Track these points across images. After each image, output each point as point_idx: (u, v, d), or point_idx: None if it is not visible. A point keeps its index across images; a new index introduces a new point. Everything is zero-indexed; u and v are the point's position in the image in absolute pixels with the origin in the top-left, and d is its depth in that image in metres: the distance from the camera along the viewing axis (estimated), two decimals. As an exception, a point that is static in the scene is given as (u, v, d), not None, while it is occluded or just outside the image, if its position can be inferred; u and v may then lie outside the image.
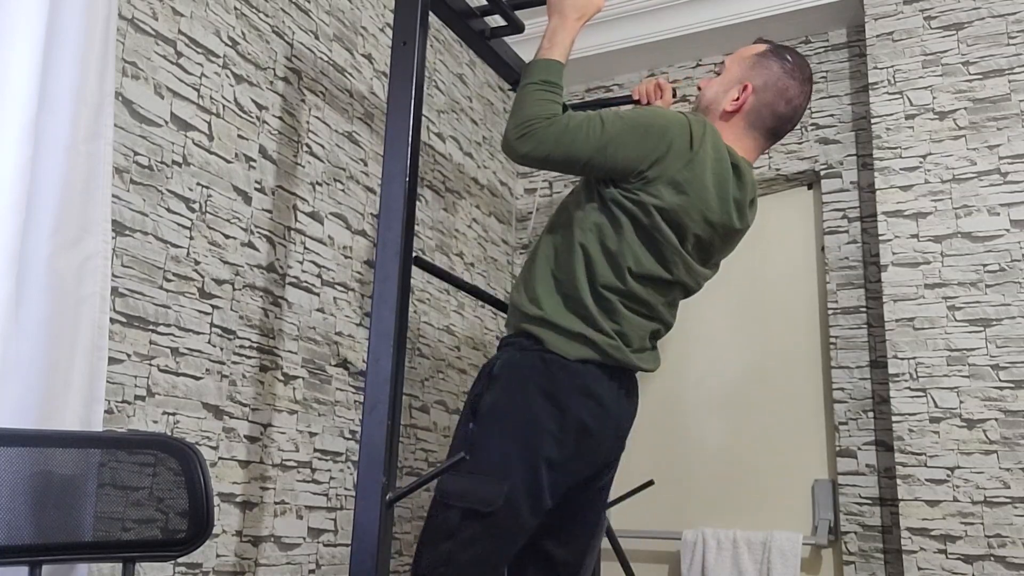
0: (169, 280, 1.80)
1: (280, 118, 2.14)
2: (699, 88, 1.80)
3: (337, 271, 2.28)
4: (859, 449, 2.52)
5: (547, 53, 1.64)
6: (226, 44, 2.00)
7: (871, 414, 2.53)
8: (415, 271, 2.57)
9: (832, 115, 2.80)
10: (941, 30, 2.53)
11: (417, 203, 2.40)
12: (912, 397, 2.35)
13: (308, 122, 2.23)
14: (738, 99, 1.70)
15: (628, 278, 1.60)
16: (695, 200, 1.59)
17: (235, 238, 1.98)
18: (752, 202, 1.73)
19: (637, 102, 2.03)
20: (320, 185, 2.25)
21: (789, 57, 1.73)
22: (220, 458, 1.88)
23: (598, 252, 1.60)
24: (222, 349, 1.91)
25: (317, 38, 2.29)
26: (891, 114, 2.54)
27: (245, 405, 1.96)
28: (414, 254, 1.71)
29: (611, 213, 1.60)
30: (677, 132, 1.58)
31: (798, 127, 2.83)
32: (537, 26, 2.63)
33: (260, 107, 2.08)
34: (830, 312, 2.65)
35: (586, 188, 1.67)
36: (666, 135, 1.57)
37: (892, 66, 2.57)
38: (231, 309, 1.95)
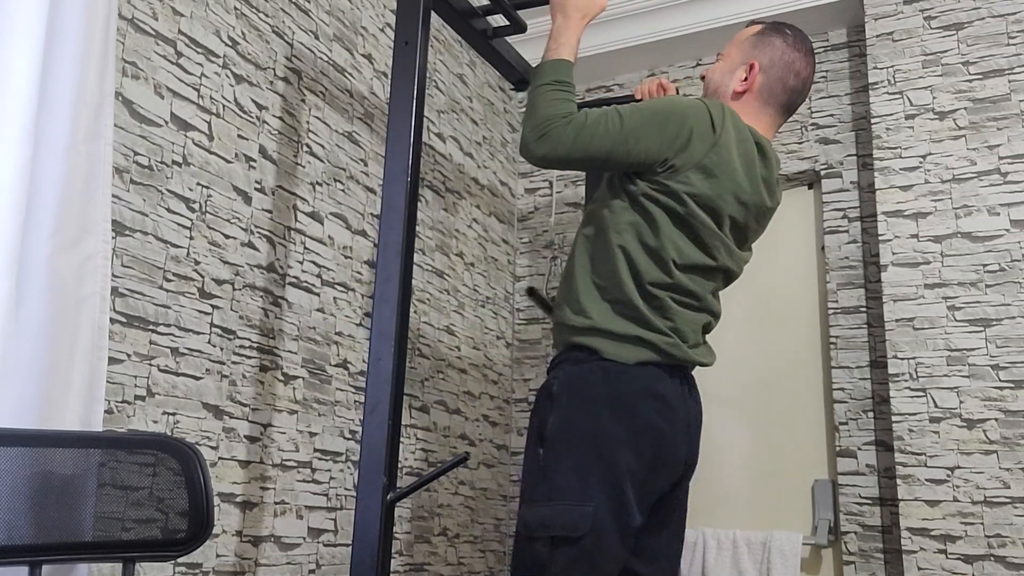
0: (169, 280, 1.80)
1: (280, 118, 2.14)
2: (702, 78, 1.79)
3: (337, 271, 2.28)
4: (859, 449, 2.52)
5: (555, 53, 1.63)
6: (226, 44, 1.99)
7: (871, 414, 2.53)
8: (415, 270, 2.57)
9: (832, 115, 2.80)
10: (941, 30, 2.53)
11: (417, 203, 2.41)
12: (912, 397, 2.35)
13: (308, 122, 2.23)
14: (746, 79, 1.69)
15: (674, 271, 1.56)
16: (726, 182, 1.57)
17: (235, 238, 1.97)
18: (778, 180, 1.72)
19: (639, 102, 2.03)
20: (320, 185, 2.25)
21: (788, 31, 1.73)
22: (220, 458, 1.88)
23: (639, 250, 1.57)
24: (222, 349, 1.91)
25: (317, 38, 2.29)
26: (891, 114, 2.54)
27: (245, 405, 1.96)
28: (415, 254, 1.71)
29: (644, 209, 1.57)
30: (697, 117, 1.57)
31: (798, 127, 2.83)
32: (539, 26, 2.63)
33: (260, 107, 2.08)
34: (830, 312, 2.65)
35: (611, 190, 1.64)
36: (686, 121, 1.56)
37: (892, 66, 2.57)
38: (231, 309, 1.95)
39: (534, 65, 1.69)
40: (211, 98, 1.94)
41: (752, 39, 1.73)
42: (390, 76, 1.70)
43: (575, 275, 1.63)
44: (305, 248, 2.18)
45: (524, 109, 1.62)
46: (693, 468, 1.67)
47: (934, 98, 2.49)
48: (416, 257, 2.58)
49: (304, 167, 2.20)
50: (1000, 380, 2.26)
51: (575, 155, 1.55)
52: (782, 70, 1.69)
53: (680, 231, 1.57)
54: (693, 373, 1.67)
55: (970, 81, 2.46)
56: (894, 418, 2.36)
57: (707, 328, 1.68)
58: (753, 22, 1.80)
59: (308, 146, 2.22)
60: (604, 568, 1.48)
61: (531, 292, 2.20)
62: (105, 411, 1.60)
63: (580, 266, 1.63)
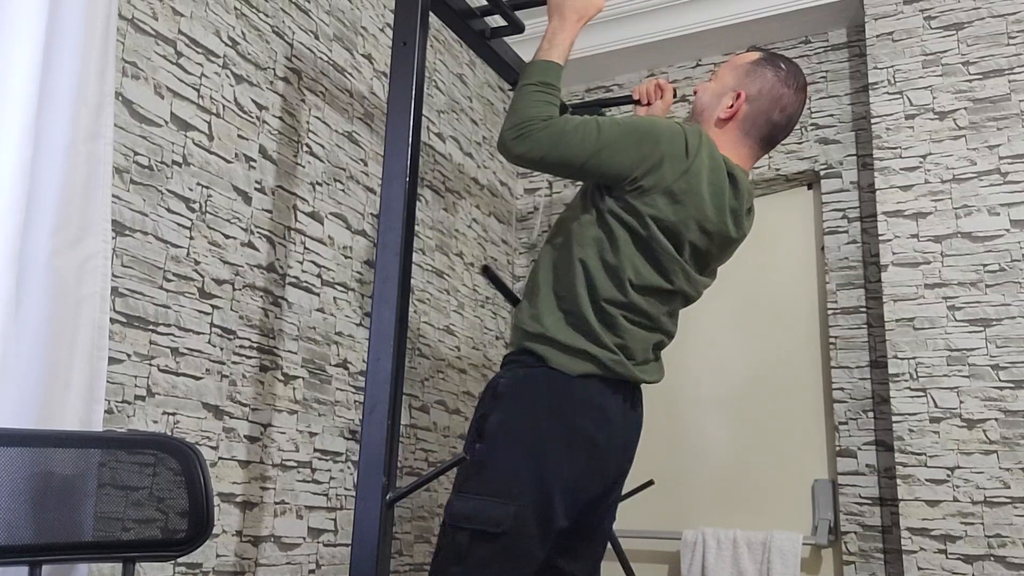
0: (169, 280, 1.80)
1: (280, 118, 2.14)
2: (695, 93, 1.80)
3: (337, 271, 2.28)
4: (859, 449, 2.52)
5: (546, 54, 1.64)
6: (226, 44, 1.99)
7: (871, 414, 2.53)
8: (415, 270, 2.58)
9: (832, 115, 2.80)
10: (941, 30, 2.53)
11: (417, 203, 2.40)
12: (912, 397, 2.35)
13: (308, 122, 2.23)
14: (732, 107, 1.69)
15: (629, 290, 1.59)
16: (691, 210, 1.59)
17: (235, 238, 1.98)
18: (749, 211, 1.73)
19: (637, 102, 2.03)
20: (320, 185, 2.25)
21: (783, 65, 1.73)
22: (220, 458, 1.88)
23: (598, 266, 1.59)
24: (222, 349, 1.91)
25: (317, 38, 2.29)
26: (891, 114, 2.54)
27: (245, 405, 1.96)
28: (414, 254, 1.71)
29: (608, 226, 1.60)
30: (672, 141, 1.58)
31: (798, 127, 2.83)
32: (537, 26, 2.63)
33: (260, 107, 2.08)
34: (830, 312, 2.65)
35: (582, 203, 1.66)
36: (660, 143, 1.57)
37: (892, 66, 2.57)
38: (231, 309, 1.95)
39: (526, 62, 1.70)
40: (211, 98, 1.94)
41: (746, 67, 1.73)
42: (389, 76, 1.70)
43: (538, 280, 1.66)
44: (305, 248, 2.18)
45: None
46: (624, 478, 1.72)
47: (934, 98, 2.49)
48: (416, 257, 2.58)
49: (304, 167, 2.21)
50: (1000, 380, 2.26)
51: (550, 159, 1.56)
52: (769, 103, 1.70)
53: (639, 252, 1.59)
54: (642, 388, 1.71)
55: (970, 81, 2.46)
56: (894, 418, 2.36)
57: (659, 346, 1.71)
58: (753, 48, 1.80)
59: (308, 146, 2.22)
60: (519, 566, 1.52)
61: (485, 270, 2.15)
62: (105, 411, 1.60)
63: (543, 273, 1.66)
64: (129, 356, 1.70)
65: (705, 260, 1.69)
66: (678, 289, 1.65)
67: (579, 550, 1.69)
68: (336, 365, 2.26)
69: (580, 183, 1.75)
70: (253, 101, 2.06)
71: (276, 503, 2.02)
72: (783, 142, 2.82)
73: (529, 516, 1.51)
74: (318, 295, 2.21)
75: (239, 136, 2.01)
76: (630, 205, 1.58)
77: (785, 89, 1.71)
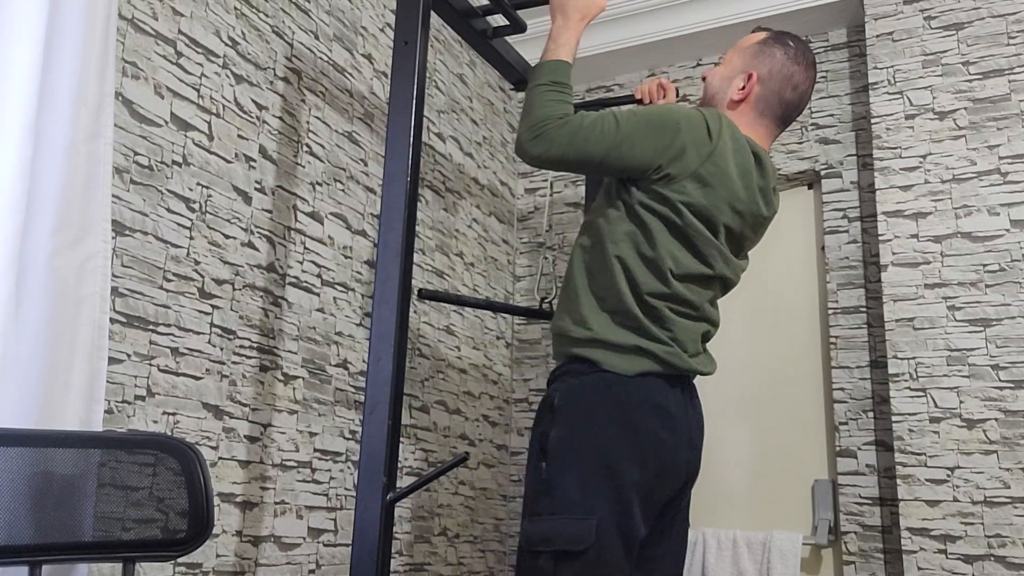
0: (169, 280, 1.80)
1: (280, 118, 2.14)
2: (703, 79, 1.79)
3: (337, 271, 2.28)
4: (859, 449, 2.52)
5: (553, 54, 1.63)
6: (226, 44, 1.99)
7: (871, 414, 2.53)
8: (415, 270, 2.58)
9: (832, 115, 2.80)
10: (941, 30, 2.53)
11: (417, 203, 2.41)
12: (912, 397, 2.35)
13: (308, 122, 2.23)
14: (744, 88, 1.68)
15: (671, 280, 1.56)
16: (722, 192, 1.57)
17: (235, 238, 1.97)
18: (775, 189, 1.71)
19: (639, 102, 2.03)
20: (320, 185, 2.25)
21: (791, 43, 1.72)
22: (220, 458, 1.88)
23: (636, 261, 1.56)
24: (222, 349, 1.91)
25: (317, 38, 2.29)
26: (891, 114, 2.54)
27: (245, 405, 1.96)
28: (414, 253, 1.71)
29: (640, 219, 1.57)
30: (693, 126, 1.56)
31: (798, 127, 2.83)
32: (539, 25, 2.64)
33: (260, 107, 2.08)
34: (830, 312, 2.65)
35: (608, 200, 1.64)
36: (680, 130, 1.55)
37: (892, 66, 2.57)
38: (231, 309, 1.95)
39: (533, 65, 1.70)
40: (211, 98, 1.94)
41: (754, 47, 1.72)
42: (390, 76, 1.70)
43: (574, 286, 1.62)
44: (305, 248, 2.18)
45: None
46: (695, 477, 1.66)
47: (934, 98, 2.49)
48: (416, 257, 2.58)
49: (304, 167, 2.20)
50: (1000, 380, 2.26)
51: (569, 157, 1.55)
52: (780, 83, 1.68)
53: (676, 240, 1.57)
54: (694, 382, 1.67)
55: (970, 81, 2.46)
56: (894, 418, 2.36)
57: (706, 337, 1.67)
58: (758, 29, 1.79)
59: (308, 146, 2.22)
60: None
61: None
62: (105, 411, 1.60)
63: (579, 276, 1.63)
64: (129, 356, 1.70)
65: (740, 242, 1.67)
66: (718, 274, 1.63)
67: (657, 557, 1.63)
68: (336, 365, 2.26)
69: (582, 184, 1.75)
70: (253, 101, 2.06)
71: (276, 503, 2.02)
72: (784, 141, 2.84)
73: (610, 528, 1.46)
74: (318, 295, 2.21)
75: (239, 136, 2.01)
76: (660, 194, 1.56)
77: (796, 67, 1.69)
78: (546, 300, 2.52)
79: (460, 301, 2.17)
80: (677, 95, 2.03)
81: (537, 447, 1.55)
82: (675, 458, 1.56)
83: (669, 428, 1.55)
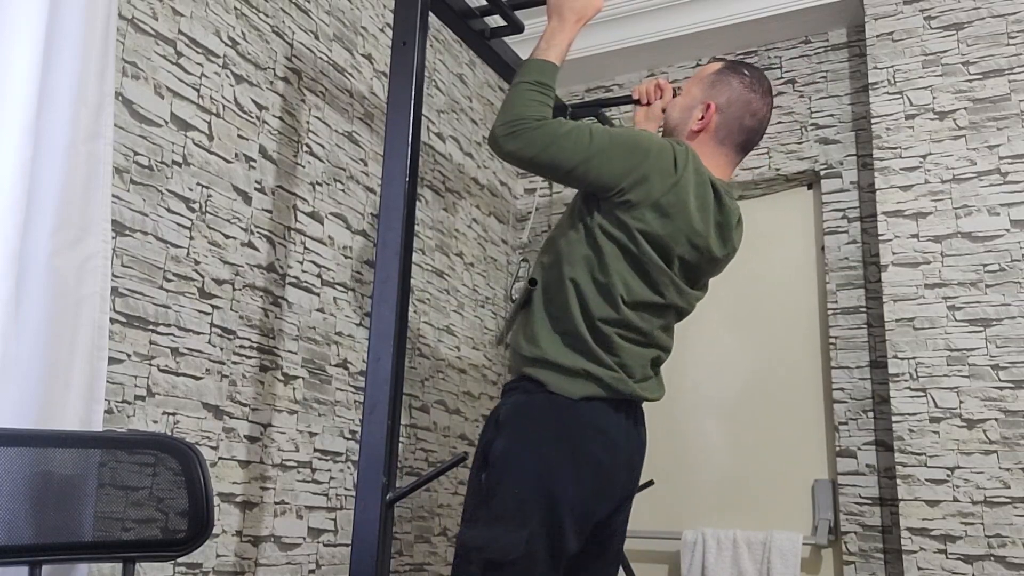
0: (169, 280, 1.80)
1: (280, 118, 2.14)
2: (663, 112, 1.81)
3: (337, 271, 2.28)
4: (859, 449, 2.52)
5: (543, 54, 1.64)
6: (226, 44, 2.00)
7: (871, 414, 2.53)
8: (415, 270, 2.57)
9: (832, 115, 2.80)
10: (941, 30, 2.53)
11: (417, 203, 2.40)
12: (912, 397, 2.35)
13: (308, 122, 2.23)
14: (703, 118, 1.71)
15: (622, 307, 1.58)
16: (680, 223, 1.59)
17: (235, 238, 1.98)
18: (738, 222, 1.72)
19: (637, 102, 2.03)
20: (320, 185, 2.25)
21: (747, 72, 1.75)
22: (220, 458, 1.88)
23: (589, 285, 1.58)
24: (222, 349, 1.91)
25: (317, 38, 2.29)
26: (891, 114, 2.54)
27: (245, 405, 1.96)
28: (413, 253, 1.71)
29: (597, 243, 1.59)
30: (661, 155, 1.58)
31: (798, 127, 2.83)
32: (537, 26, 2.63)
33: (260, 107, 2.08)
34: (830, 312, 2.65)
35: (571, 221, 1.65)
36: (649, 156, 1.57)
37: (892, 66, 2.57)
38: (231, 309, 1.95)
39: (523, 59, 1.70)
40: (211, 98, 1.94)
41: (711, 78, 1.75)
42: (389, 76, 1.70)
43: (532, 303, 1.65)
44: (305, 248, 2.18)
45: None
46: (631, 497, 1.71)
47: (934, 98, 2.49)
48: (416, 257, 2.58)
49: (304, 167, 2.21)
50: (1000, 380, 2.26)
51: (540, 160, 1.56)
52: (739, 110, 1.71)
53: (630, 268, 1.59)
54: (643, 406, 1.70)
55: (970, 81, 2.46)
56: (894, 418, 2.36)
57: (656, 362, 1.70)
58: (714, 59, 1.81)
59: (308, 146, 2.22)
60: None
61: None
62: (105, 411, 1.60)
63: (537, 295, 1.64)
64: (129, 356, 1.70)
65: (695, 274, 1.68)
66: (670, 303, 1.64)
67: (591, 573, 1.67)
68: (336, 365, 2.26)
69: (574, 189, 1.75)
70: (253, 101, 2.06)
71: (276, 503, 2.02)
72: (783, 141, 2.84)
73: (540, 542, 1.49)
74: (318, 295, 2.21)
75: (239, 136, 2.01)
76: (618, 220, 1.57)
77: (752, 94, 1.72)
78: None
79: None
80: (675, 95, 2.03)
81: (480, 457, 1.59)
82: (612, 478, 1.60)
83: (609, 451, 1.59)
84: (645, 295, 1.60)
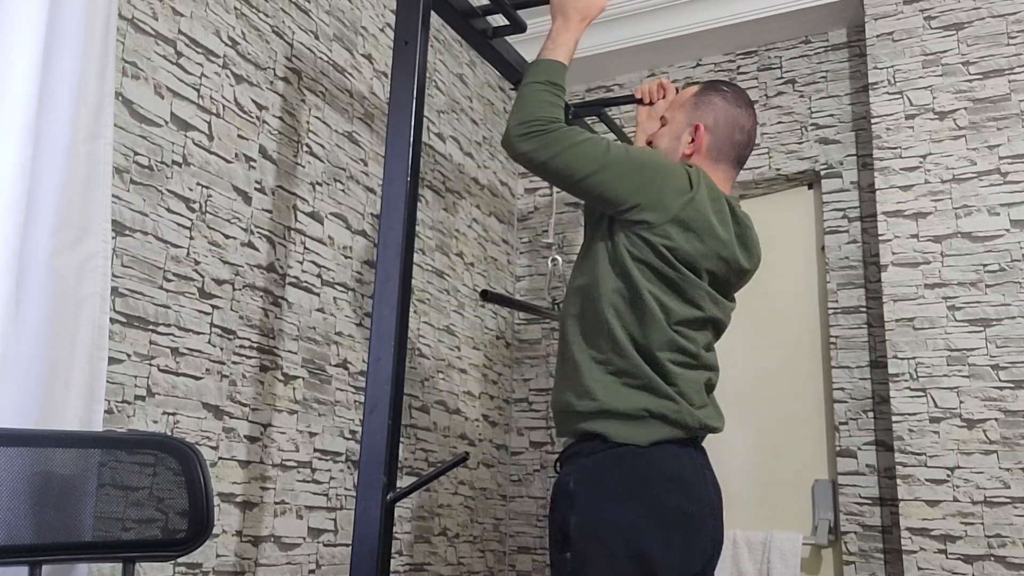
0: (169, 280, 1.80)
1: (280, 118, 2.14)
2: (649, 143, 1.81)
3: (337, 271, 2.28)
4: (859, 449, 2.52)
5: (551, 53, 1.64)
6: (226, 44, 1.99)
7: (871, 414, 2.53)
8: (415, 270, 2.57)
9: (832, 115, 2.80)
10: (941, 30, 2.53)
11: (417, 203, 2.41)
12: (912, 397, 2.35)
13: (308, 122, 2.23)
14: (693, 141, 1.71)
15: (666, 328, 1.54)
16: (705, 237, 1.57)
17: (235, 238, 1.97)
18: (755, 240, 1.71)
19: (639, 101, 2.03)
20: (320, 185, 2.25)
21: (725, 88, 1.76)
22: (220, 458, 1.88)
23: (629, 315, 1.54)
24: (222, 349, 1.91)
25: (317, 38, 2.29)
26: (891, 114, 2.54)
27: (245, 405, 1.96)
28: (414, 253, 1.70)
29: (625, 272, 1.55)
30: (675, 174, 1.58)
31: (798, 127, 2.83)
32: (540, 25, 2.63)
33: (260, 107, 2.08)
34: (830, 312, 2.65)
35: (590, 263, 1.62)
36: (661, 174, 1.57)
37: (892, 66, 2.57)
38: (231, 309, 1.95)
39: (530, 61, 1.70)
40: (211, 98, 1.94)
41: (692, 100, 1.75)
42: (390, 76, 1.70)
43: (572, 356, 1.59)
44: (305, 248, 2.18)
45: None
46: (720, 549, 1.61)
47: (934, 98, 2.49)
48: (416, 257, 2.58)
49: (304, 167, 2.20)
50: (1000, 380, 2.26)
51: (553, 165, 1.54)
52: (727, 127, 1.71)
53: (663, 287, 1.55)
54: (704, 446, 1.63)
55: (970, 81, 2.46)
56: (894, 418, 2.35)
57: (710, 386, 1.64)
58: (689, 83, 1.81)
59: (308, 146, 2.22)
60: None
61: (484, 295, 2.20)
62: (105, 411, 1.60)
63: (575, 345, 1.59)
64: (129, 356, 1.70)
65: (725, 287, 1.66)
66: (709, 315, 1.61)
67: None
68: (336, 365, 2.26)
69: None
70: (253, 101, 2.06)
71: (276, 503, 2.02)
72: (783, 141, 2.84)
73: None
74: (318, 295, 2.21)
75: (239, 136, 2.01)
76: (644, 241, 1.55)
77: (737, 109, 1.73)
78: (557, 303, 2.52)
79: (520, 306, 2.36)
80: (677, 93, 2.04)
81: (558, 535, 1.50)
82: (700, 531, 1.52)
83: (692, 499, 1.51)
84: (684, 312, 1.57)
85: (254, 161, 2.05)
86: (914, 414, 2.33)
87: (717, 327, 1.67)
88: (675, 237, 1.55)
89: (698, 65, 3.05)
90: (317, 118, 2.26)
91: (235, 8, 2.02)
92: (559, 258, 2.78)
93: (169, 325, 1.79)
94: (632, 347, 1.54)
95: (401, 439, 2.44)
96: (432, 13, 1.83)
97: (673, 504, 1.48)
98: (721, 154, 1.71)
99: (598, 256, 1.60)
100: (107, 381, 1.62)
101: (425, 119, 2.68)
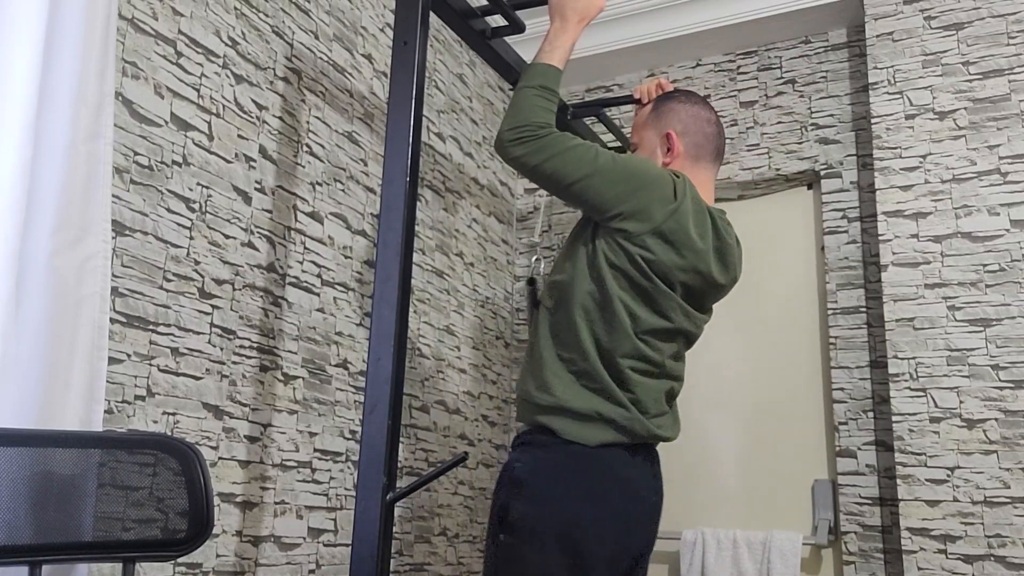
0: (169, 280, 1.80)
1: (280, 118, 2.14)
2: None
3: (337, 271, 2.28)
4: (859, 449, 2.52)
5: (547, 57, 1.64)
6: (226, 44, 1.99)
7: (871, 414, 2.53)
8: (415, 270, 2.57)
9: (832, 115, 2.80)
10: (941, 30, 2.53)
11: (417, 203, 2.41)
12: (912, 397, 2.35)
13: (308, 122, 2.23)
14: (670, 149, 1.72)
15: (632, 337, 1.56)
16: (683, 250, 1.58)
17: (235, 238, 1.98)
18: (737, 244, 1.72)
19: (638, 101, 2.03)
20: (320, 185, 2.25)
21: (676, 93, 1.79)
22: (220, 458, 1.88)
23: (598, 318, 1.57)
24: (222, 349, 1.91)
25: (317, 38, 2.29)
26: (891, 114, 2.54)
27: (245, 405, 1.96)
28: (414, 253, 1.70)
29: (599, 276, 1.58)
30: (661, 183, 1.59)
31: (798, 127, 2.83)
32: (538, 26, 2.63)
33: (260, 107, 2.08)
34: (830, 312, 2.65)
35: (571, 259, 1.64)
36: (648, 182, 1.57)
37: (892, 66, 2.57)
38: (231, 309, 1.95)
39: (527, 62, 1.70)
40: (211, 98, 1.94)
41: (653, 115, 1.78)
42: (389, 76, 1.70)
43: (539, 348, 1.62)
44: (305, 248, 2.18)
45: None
46: (651, 548, 1.67)
47: (934, 98, 2.49)
48: (416, 257, 2.58)
49: (304, 167, 2.20)
50: (1000, 380, 2.26)
51: (544, 169, 1.56)
52: (695, 124, 1.74)
53: (634, 295, 1.57)
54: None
55: (970, 81, 2.46)
56: (894, 418, 2.35)
57: (671, 395, 1.67)
58: (639, 105, 1.87)
59: (308, 146, 2.22)
60: None
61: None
62: (105, 411, 1.60)
63: (543, 339, 1.62)
64: (129, 356, 1.70)
65: (699, 299, 1.67)
66: (679, 327, 1.63)
67: None
68: (336, 365, 2.26)
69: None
70: (253, 101, 2.06)
71: (276, 503, 2.02)
72: (783, 141, 2.84)
73: None
74: (318, 295, 2.21)
75: (239, 136, 2.01)
76: (621, 248, 1.57)
77: (695, 107, 1.76)
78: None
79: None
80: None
81: (497, 518, 1.56)
82: (635, 532, 1.58)
83: (635, 502, 1.57)
84: (652, 321, 1.59)
85: (254, 161, 2.05)
86: (914, 414, 2.33)
87: (688, 338, 1.69)
88: (653, 248, 1.56)
89: (698, 65, 3.05)
90: (317, 118, 2.26)
91: (235, 8, 2.03)
92: (543, 259, 2.80)
93: (169, 325, 1.79)
94: (595, 351, 1.56)
95: (401, 439, 2.44)
96: (431, 13, 1.83)
97: (616, 504, 1.54)
98: (700, 150, 1.73)
99: (577, 256, 1.62)
100: (107, 381, 1.62)
101: (425, 119, 2.68)
